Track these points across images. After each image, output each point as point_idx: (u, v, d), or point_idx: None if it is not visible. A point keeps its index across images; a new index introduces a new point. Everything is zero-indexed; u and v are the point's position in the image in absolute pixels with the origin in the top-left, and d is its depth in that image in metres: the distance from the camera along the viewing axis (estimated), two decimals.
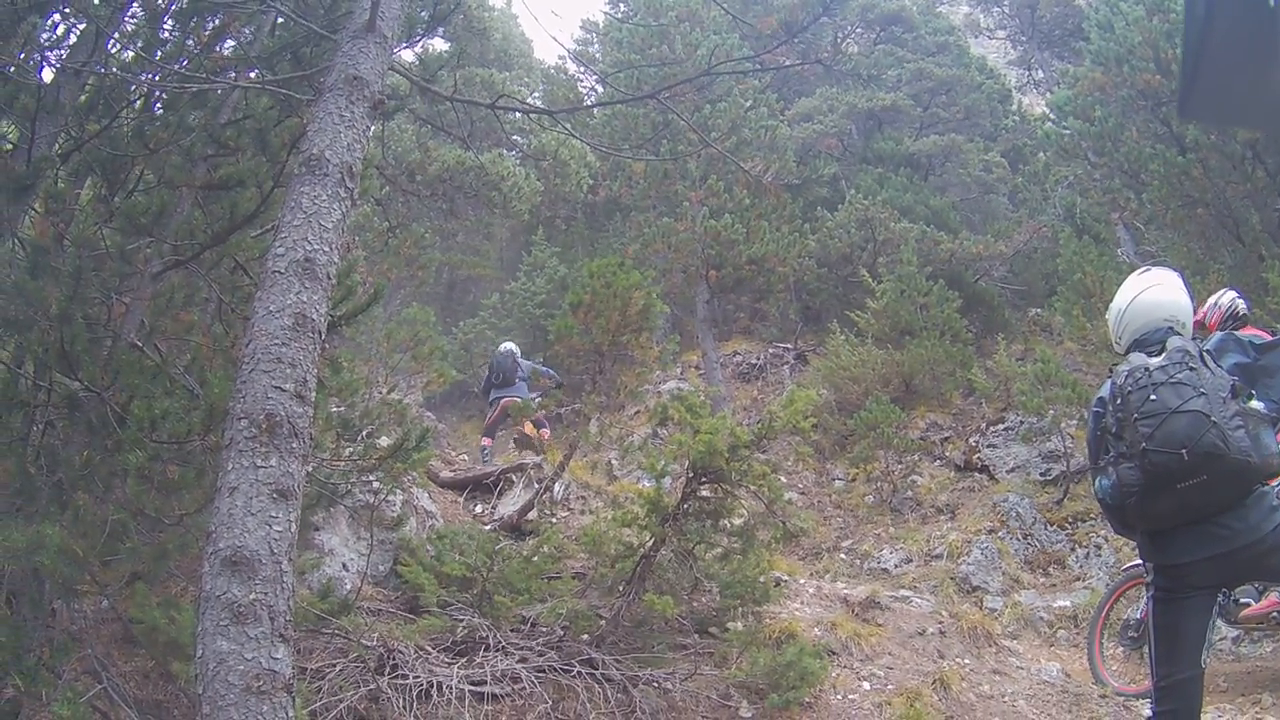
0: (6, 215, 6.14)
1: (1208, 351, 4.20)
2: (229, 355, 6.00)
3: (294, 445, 3.79)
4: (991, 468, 13.24)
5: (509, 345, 14.91)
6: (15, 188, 5.80)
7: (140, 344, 5.83)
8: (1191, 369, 4.02)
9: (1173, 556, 4.13)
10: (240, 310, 6.51)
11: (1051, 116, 17.75)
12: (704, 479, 6.87)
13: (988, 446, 13.65)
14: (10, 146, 6.23)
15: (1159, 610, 4.21)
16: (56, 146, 6.22)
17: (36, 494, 5.38)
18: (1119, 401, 4.18)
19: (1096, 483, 4.31)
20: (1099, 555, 10.57)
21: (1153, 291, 4.52)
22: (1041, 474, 12.63)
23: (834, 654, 7.20)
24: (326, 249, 4.19)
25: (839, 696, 6.76)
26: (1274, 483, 4.12)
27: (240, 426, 3.75)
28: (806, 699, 6.44)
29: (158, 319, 5.75)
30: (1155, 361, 4.16)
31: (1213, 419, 3.85)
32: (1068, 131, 14.79)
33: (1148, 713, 4.44)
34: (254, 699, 3.39)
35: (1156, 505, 4.04)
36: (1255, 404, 4.10)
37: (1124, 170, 13.33)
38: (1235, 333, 4.56)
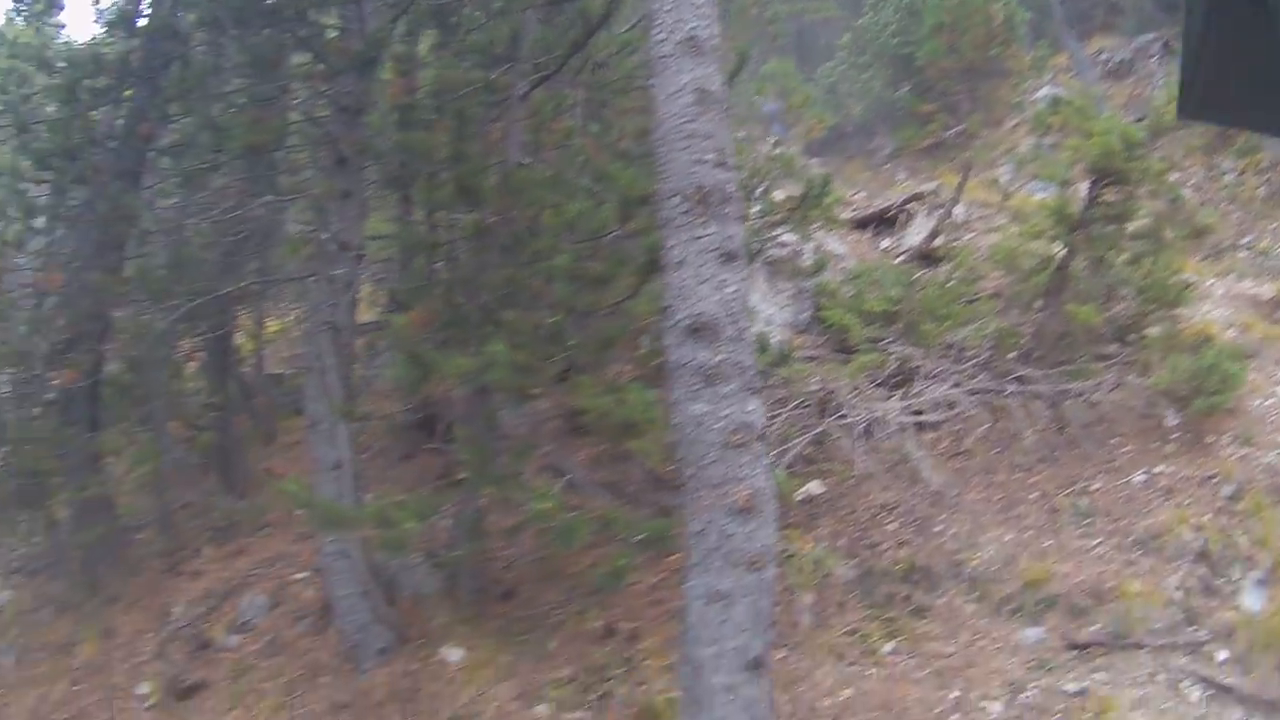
0: (358, 90, 6.62)
1: None
2: (614, 148, 6.29)
3: (728, 210, 3.96)
4: None
5: None
6: (361, 63, 6.24)
7: (527, 161, 6.19)
8: None
9: None
10: (613, 104, 6.77)
11: None
12: (1105, 182, 6.64)
13: None
14: (337, 32, 6.67)
15: None
16: (384, 18, 6.60)
17: (466, 321, 5.90)
18: None
19: None
20: None
21: None
22: None
23: (1249, 356, 6.88)
24: (706, 23, 4.23)
25: (1258, 401, 6.51)
26: None
27: (672, 204, 3.94)
28: (1228, 404, 6.30)
29: (537, 134, 6.07)
30: None
31: None
32: None
33: None
34: (732, 452, 3.69)
35: None
36: None
37: None
38: None
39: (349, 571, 8.05)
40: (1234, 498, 5.95)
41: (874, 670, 5.99)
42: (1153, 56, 16.89)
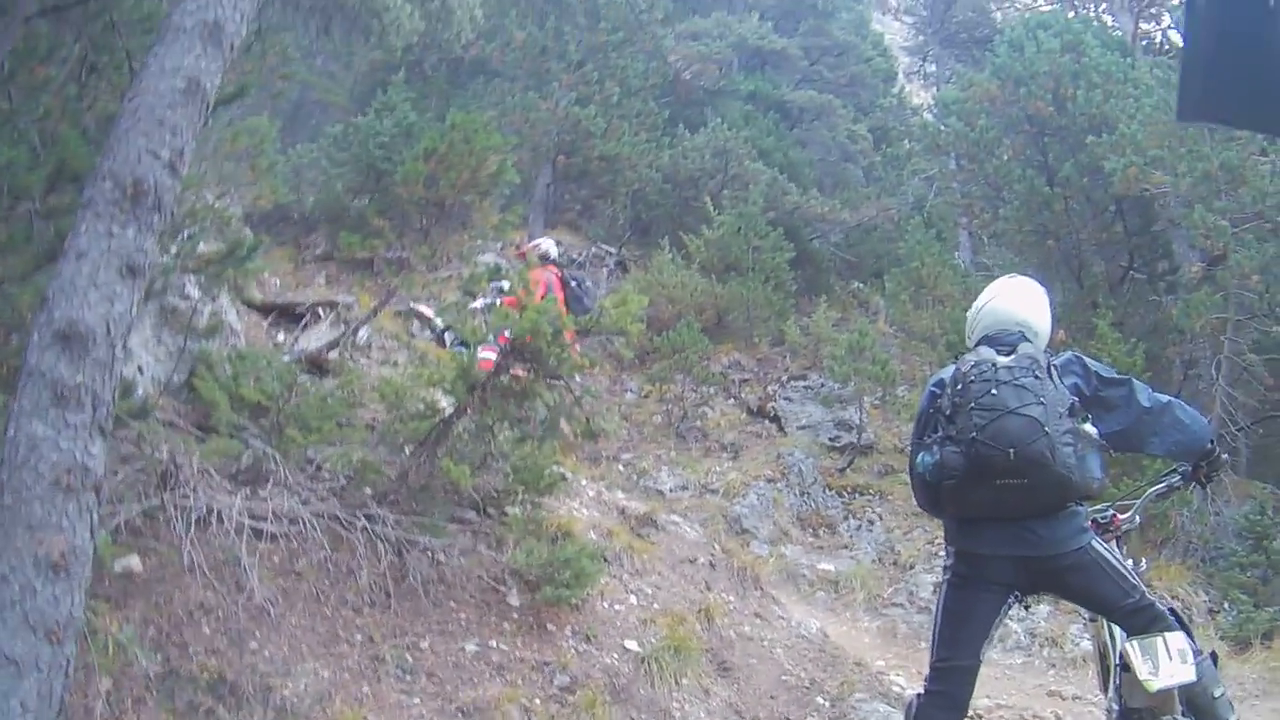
0: None
1: (1055, 366, 4.31)
2: (77, 120, 5.53)
3: (154, 220, 3.44)
4: (783, 419, 13.59)
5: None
6: None
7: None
8: (1037, 377, 4.14)
9: (977, 546, 4.28)
10: (104, 74, 6.00)
11: (933, 110, 18.13)
12: (520, 357, 6.73)
13: (784, 398, 14.01)
14: None
15: (951, 594, 4.36)
16: None
17: None
18: (959, 387, 4.27)
19: (918, 458, 4.38)
20: (870, 530, 10.98)
21: (1013, 297, 4.66)
22: (831, 439, 13.01)
23: (607, 561, 7.20)
24: (237, 18, 3.82)
25: (606, 605, 6.80)
26: (1092, 506, 4.29)
27: (104, 187, 3.36)
28: (577, 600, 6.46)
29: (17, 66, 5.23)
30: (1004, 360, 4.27)
31: (1046, 429, 3.97)
32: (945, 129, 15.09)
33: (908, 692, 4.60)
34: (61, 495, 3.08)
35: (973, 494, 4.15)
36: (1089, 428, 4.22)
37: (988, 182, 13.74)
38: (1084, 358, 4.66)
39: None
40: (567, 689, 6.00)
41: None
42: (606, 266, 18.33)
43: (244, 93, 6.39)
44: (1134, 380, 4.53)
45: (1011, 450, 3.99)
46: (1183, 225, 11.81)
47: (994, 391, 4.13)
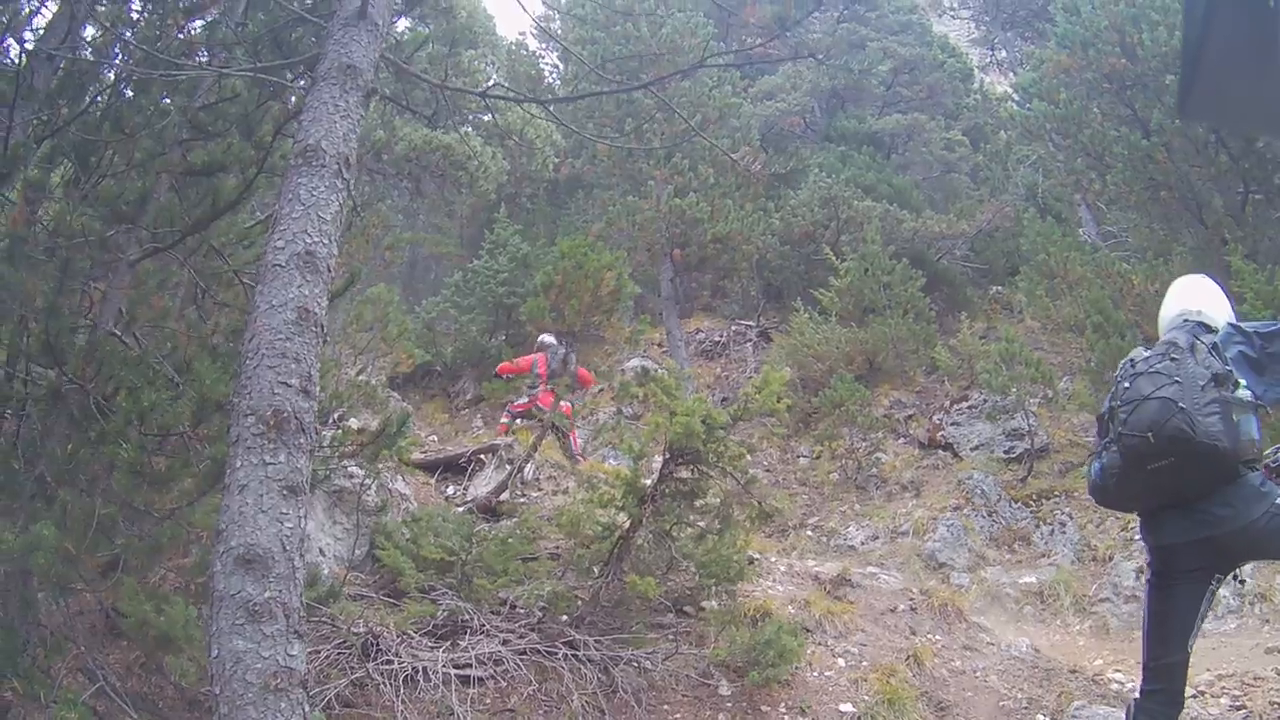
0: None
1: (1216, 344, 4.34)
2: (205, 342, 5.92)
3: (301, 441, 3.77)
4: (955, 445, 13.42)
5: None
6: None
7: (119, 333, 5.74)
8: (1173, 359, 4.19)
9: (1162, 538, 4.32)
10: (216, 295, 6.42)
11: (1015, 97, 17.93)
12: (681, 460, 6.89)
13: (951, 424, 13.82)
14: None
15: (1153, 594, 4.41)
16: (30, 132, 6.06)
17: (20, 490, 5.28)
18: (1114, 390, 4.42)
19: (1090, 466, 4.53)
20: (1064, 532, 10.75)
21: (1176, 297, 4.81)
22: (1005, 451, 12.81)
23: (808, 631, 7.26)
24: (326, 241, 4.17)
25: (815, 673, 6.85)
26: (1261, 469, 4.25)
27: (247, 423, 3.71)
28: (784, 676, 6.52)
29: (136, 307, 5.65)
30: (1143, 353, 4.40)
31: (1180, 405, 4.01)
32: (1031, 113, 14.86)
33: (1128, 688, 4.57)
34: (271, 697, 3.39)
35: (1131, 485, 4.25)
36: (1242, 392, 4.21)
37: (1088, 152, 13.45)
38: (1239, 324, 4.65)
39: None
40: None
41: None
42: (749, 341, 18.43)
43: (354, 281, 6.77)
44: None
45: (1150, 434, 4.06)
46: None
47: (1127, 385, 4.27)
